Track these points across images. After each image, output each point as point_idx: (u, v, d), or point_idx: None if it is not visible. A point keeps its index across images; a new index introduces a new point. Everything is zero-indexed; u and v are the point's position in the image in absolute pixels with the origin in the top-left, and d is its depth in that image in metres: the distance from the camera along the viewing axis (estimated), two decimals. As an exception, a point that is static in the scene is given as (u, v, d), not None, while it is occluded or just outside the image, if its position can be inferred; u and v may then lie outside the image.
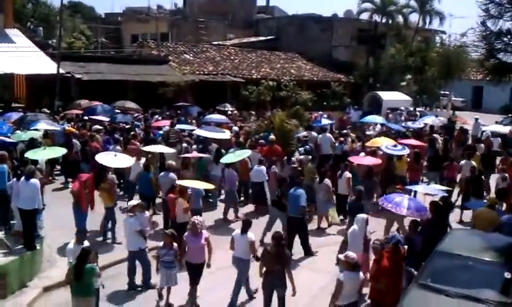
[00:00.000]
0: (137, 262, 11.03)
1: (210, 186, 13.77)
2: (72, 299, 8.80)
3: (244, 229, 10.18)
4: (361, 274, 8.59)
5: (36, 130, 17.88)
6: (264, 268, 9.42)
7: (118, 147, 17.30)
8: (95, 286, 8.89)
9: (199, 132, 19.23)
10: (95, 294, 8.95)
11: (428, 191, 13.17)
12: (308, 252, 12.86)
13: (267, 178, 15.86)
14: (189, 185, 12.81)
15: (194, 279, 10.14)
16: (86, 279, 8.62)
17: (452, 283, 8.72)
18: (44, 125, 18.77)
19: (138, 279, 11.10)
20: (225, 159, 15.67)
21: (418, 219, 11.00)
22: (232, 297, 10.11)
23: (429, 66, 38.06)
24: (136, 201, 12.17)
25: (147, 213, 11.76)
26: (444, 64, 37.60)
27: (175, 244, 10.09)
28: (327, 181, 14.62)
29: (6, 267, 10.13)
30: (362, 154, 17.34)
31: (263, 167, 15.88)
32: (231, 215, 15.49)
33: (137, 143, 17.83)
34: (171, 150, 16.91)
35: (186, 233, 10.11)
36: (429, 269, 9.21)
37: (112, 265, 11.95)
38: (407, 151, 17.48)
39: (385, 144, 17.68)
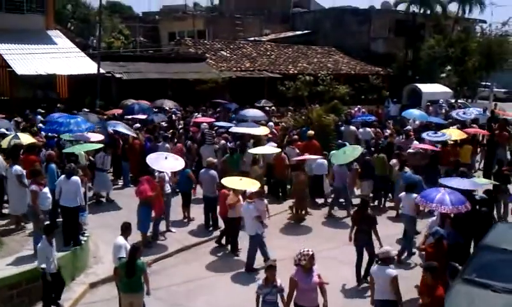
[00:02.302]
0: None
1: (257, 185, 12.97)
2: (122, 295, 8.94)
3: (410, 190, 12.22)
4: (390, 270, 8.37)
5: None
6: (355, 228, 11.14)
7: (167, 145, 17.38)
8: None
9: (235, 129, 19.29)
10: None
11: (466, 186, 11.94)
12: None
13: (326, 172, 16.20)
14: (234, 187, 12.55)
15: None
16: (138, 275, 8.77)
17: (498, 277, 8.60)
18: (121, 128, 18.52)
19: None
20: (336, 160, 15.52)
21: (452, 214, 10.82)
22: (403, 245, 12.33)
23: (469, 56, 37.25)
24: (255, 188, 12.49)
25: (265, 201, 12.38)
26: (485, 54, 36.78)
27: (279, 280, 8.27)
28: (406, 170, 15.15)
29: (54, 263, 10.40)
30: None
31: (325, 161, 16.07)
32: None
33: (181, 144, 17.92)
34: (277, 150, 16.61)
35: (295, 271, 8.23)
36: (474, 264, 9.09)
37: (156, 261, 12.19)
38: (447, 137, 17.93)
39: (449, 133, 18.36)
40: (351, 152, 15.36)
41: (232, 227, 12.78)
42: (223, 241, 13.31)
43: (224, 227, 13.27)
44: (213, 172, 14.20)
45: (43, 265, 9.35)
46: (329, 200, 16.43)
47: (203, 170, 14.65)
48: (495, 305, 8.03)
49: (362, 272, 11.14)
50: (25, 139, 15.32)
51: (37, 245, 10.42)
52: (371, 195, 16.01)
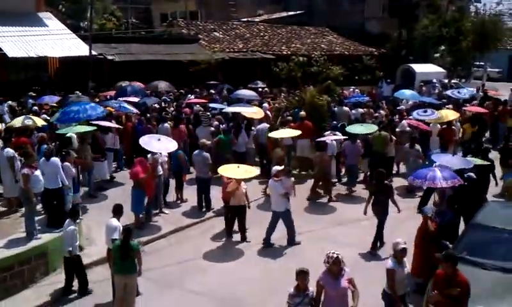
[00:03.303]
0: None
1: (254, 173, 12.63)
2: (116, 276, 8.95)
3: None
4: (387, 261, 8.12)
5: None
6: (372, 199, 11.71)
7: (166, 125, 17.40)
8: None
9: (230, 109, 19.25)
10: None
11: (455, 165, 12.00)
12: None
13: (335, 153, 16.17)
14: (231, 176, 12.15)
15: None
16: (132, 256, 8.79)
17: (488, 255, 8.68)
18: (126, 104, 18.92)
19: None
20: (352, 129, 15.93)
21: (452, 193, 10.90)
22: None
23: (463, 36, 37.17)
24: (280, 166, 12.61)
25: (292, 178, 12.54)
26: (479, 34, 36.70)
27: (311, 288, 7.35)
28: (417, 147, 16.00)
29: (46, 245, 10.43)
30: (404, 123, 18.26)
31: (334, 143, 16.08)
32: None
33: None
34: (297, 132, 16.18)
35: (322, 275, 7.42)
36: (464, 242, 9.17)
37: (149, 243, 12.17)
38: (436, 115, 18.21)
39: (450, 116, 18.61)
40: (367, 127, 16.31)
41: (235, 215, 12.47)
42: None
43: (224, 212, 13.04)
44: (206, 153, 14.21)
45: (70, 248, 9.57)
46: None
47: (196, 151, 14.64)
48: (485, 282, 8.08)
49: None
50: (37, 120, 15.67)
51: (30, 227, 10.50)
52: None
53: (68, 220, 9.77)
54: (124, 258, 8.72)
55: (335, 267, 7.23)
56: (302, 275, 7.26)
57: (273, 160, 14.90)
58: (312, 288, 7.35)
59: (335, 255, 7.26)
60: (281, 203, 11.94)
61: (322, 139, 15.87)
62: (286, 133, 16.19)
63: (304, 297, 7.24)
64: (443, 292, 7.38)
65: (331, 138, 15.97)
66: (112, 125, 16.42)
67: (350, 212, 14.18)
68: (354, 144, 15.76)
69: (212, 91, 24.92)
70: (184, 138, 17.08)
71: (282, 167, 12.68)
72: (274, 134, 16.12)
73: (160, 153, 13.74)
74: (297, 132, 16.18)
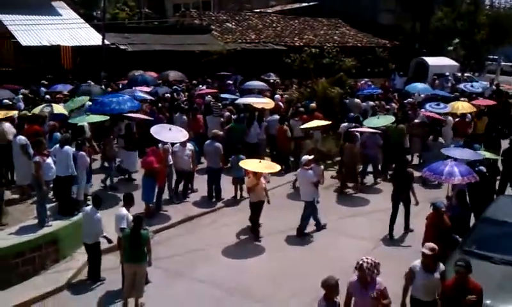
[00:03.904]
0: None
1: (276, 168, 12.30)
2: (125, 265, 8.98)
3: None
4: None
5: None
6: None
7: (184, 117, 17.47)
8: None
9: (241, 100, 19.26)
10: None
11: (466, 157, 12.07)
12: None
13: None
14: (254, 170, 11.91)
15: None
16: (142, 245, 8.82)
17: (497, 249, 8.65)
18: (140, 93, 19.21)
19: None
20: (369, 123, 15.93)
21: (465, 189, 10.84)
22: None
23: (478, 29, 36.82)
24: (309, 156, 12.67)
25: (322, 166, 12.87)
26: (494, 28, 36.34)
27: (338, 298, 6.82)
28: (441, 139, 16.19)
29: (58, 232, 10.51)
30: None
31: (358, 134, 15.99)
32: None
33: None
34: (325, 122, 16.33)
35: (352, 281, 6.96)
36: (474, 236, 9.14)
37: (159, 232, 12.21)
38: (448, 109, 18.35)
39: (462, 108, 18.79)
40: (383, 119, 16.33)
41: (253, 211, 12.29)
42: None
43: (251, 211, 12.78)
44: (218, 144, 14.24)
45: (107, 234, 9.94)
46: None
47: (207, 142, 14.66)
48: (494, 276, 8.05)
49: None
50: (56, 108, 15.90)
51: (41, 214, 10.58)
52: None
53: (91, 207, 9.91)
54: (134, 246, 8.76)
55: (360, 273, 6.78)
56: (333, 286, 6.66)
57: (303, 152, 15.03)
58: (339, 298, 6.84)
59: (361, 261, 6.79)
60: (310, 192, 12.07)
61: (360, 130, 15.93)
62: (317, 123, 16.26)
63: (334, 306, 6.73)
64: (461, 301, 7.05)
65: (358, 130, 15.94)
66: (134, 115, 16.36)
67: (366, 204, 14.31)
68: (374, 135, 15.69)
69: (230, 82, 24.93)
70: (200, 129, 17.13)
71: (312, 156, 12.68)
72: (307, 125, 16.16)
73: (184, 146, 13.83)
74: (325, 122, 16.40)
